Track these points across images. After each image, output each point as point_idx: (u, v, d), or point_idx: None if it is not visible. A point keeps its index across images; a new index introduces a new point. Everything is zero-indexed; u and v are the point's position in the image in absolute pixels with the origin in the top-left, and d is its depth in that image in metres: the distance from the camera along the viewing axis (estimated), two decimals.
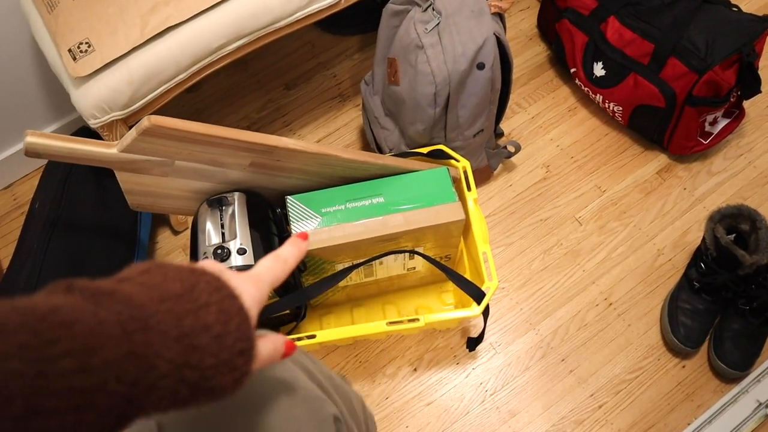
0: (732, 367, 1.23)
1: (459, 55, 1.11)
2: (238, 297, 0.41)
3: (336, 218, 1.07)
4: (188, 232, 1.45)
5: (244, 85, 1.65)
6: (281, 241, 1.05)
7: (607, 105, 1.46)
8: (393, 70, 1.22)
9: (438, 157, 1.20)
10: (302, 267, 1.08)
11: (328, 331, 1.06)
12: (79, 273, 1.11)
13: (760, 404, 1.24)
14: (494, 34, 1.12)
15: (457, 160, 1.19)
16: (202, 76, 1.13)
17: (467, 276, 1.27)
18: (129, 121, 1.11)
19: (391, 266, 1.20)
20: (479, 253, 1.12)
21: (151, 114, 1.13)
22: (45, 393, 0.30)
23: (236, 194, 1.03)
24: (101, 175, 1.24)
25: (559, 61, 1.60)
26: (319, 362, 0.66)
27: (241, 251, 0.97)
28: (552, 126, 1.54)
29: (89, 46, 1.02)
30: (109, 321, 0.34)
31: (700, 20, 1.29)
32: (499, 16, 1.20)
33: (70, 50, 1.02)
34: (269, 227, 1.04)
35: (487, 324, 1.29)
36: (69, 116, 1.51)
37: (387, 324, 1.06)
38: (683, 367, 1.27)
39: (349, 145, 1.55)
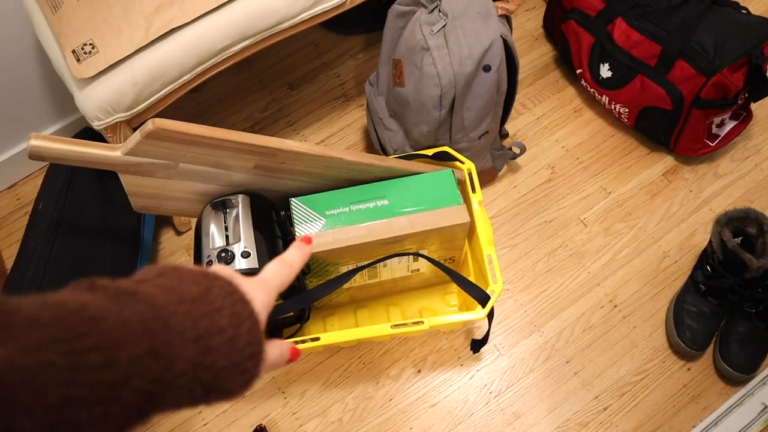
0: (738, 370, 1.23)
1: (465, 57, 1.10)
2: (249, 302, 0.43)
3: (340, 221, 1.07)
4: (191, 233, 1.45)
5: (247, 84, 1.65)
6: (285, 244, 1.05)
7: (613, 106, 1.45)
8: (398, 72, 1.21)
9: (443, 158, 1.20)
10: (306, 269, 1.07)
11: (331, 334, 1.06)
12: (84, 275, 1.10)
13: (766, 407, 1.23)
14: (501, 36, 1.12)
15: (462, 162, 1.19)
16: (207, 77, 1.13)
17: (471, 278, 1.26)
18: (133, 123, 1.11)
19: (395, 268, 1.19)
20: (484, 255, 1.12)
21: (155, 115, 1.13)
22: (75, 384, 0.31)
23: (240, 196, 1.03)
24: (105, 176, 1.24)
25: (565, 62, 1.59)
26: None
27: (245, 254, 0.96)
28: (557, 127, 1.54)
29: (93, 48, 1.02)
30: (132, 320, 0.35)
31: (708, 22, 1.28)
32: (506, 18, 1.20)
33: (73, 51, 1.02)
34: (273, 230, 1.04)
35: (492, 326, 1.28)
36: (72, 116, 1.51)
37: (391, 327, 1.06)
38: (688, 369, 1.27)
39: (353, 146, 1.54)
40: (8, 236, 1.47)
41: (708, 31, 1.27)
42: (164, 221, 1.47)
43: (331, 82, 1.64)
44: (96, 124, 1.06)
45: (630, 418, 1.23)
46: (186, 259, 1.42)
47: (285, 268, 0.51)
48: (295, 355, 0.51)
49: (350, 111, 1.59)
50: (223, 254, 0.96)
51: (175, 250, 1.43)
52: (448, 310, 1.31)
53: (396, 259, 1.14)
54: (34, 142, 0.85)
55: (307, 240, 0.56)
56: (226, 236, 0.99)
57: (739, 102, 1.35)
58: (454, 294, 1.32)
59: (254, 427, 1.24)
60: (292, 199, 1.08)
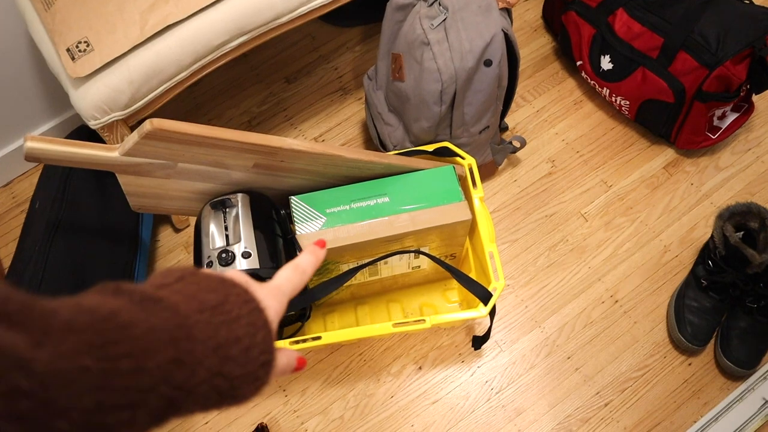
0: (739, 365, 1.22)
1: (466, 51, 1.09)
2: (263, 310, 0.44)
3: (341, 219, 1.05)
4: (189, 230, 1.43)
5: (244, 78, 1.63)
6: (285, 243, 1.03)
7: (613, 99, 1.44)
8: (397, 66, 1.19)
9: (443, 154, 1.19)
10: None
11: (333, 333, 1.05)
12: (83, 276, 1.09)
13: (767, 402, 1.23)
14: (502, 30, 1.10)
15: (463, 158, 1.17)
16: (204, 73, 1.11)
17: (473, 274, 1.26)
18: (130, 121, 1.09)
19: (396, 265, 1.18)
20: (485, 252, 1.11)
21: (152, 113, 1.11)
22: (107, 390, 0.32)
23: (239, 195, 1.02)
24: (102, 174, 1.22)
25: (565, 54, 1.58)
26: None
27: (246, 255, 0.95)
28: (557, 120, 1.52)
29: (88, 46, 1.00)
30: (159, 328, 0.37)
31: (711, 13, 1.26)
32: (507, 11, 1.18)
33: (68, 50, 1.00)
34: (273, 229, 1.02)
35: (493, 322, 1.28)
36: (68, 113, 1.49)
37: (393, 325, 1.05)
38: (689, 364, 1.27)
39: (352, 140, 1.53)
40: (5, 235, 1.46)
41: (711, 22, 1.26)
42: (162, 219, 1.45)
43: (328, 76, 1.62)
44: (92, 124, 1.04)
45: (631, 413, 1.23)
46: (184, 257, 1.41)
47: (297, 274, 0.52)
48: (301, 364, 0.51)
49: (348, 105, 1.57)
50: (223, 255, 0.95)
51: (173, 247, 1.42)
52: (449, 307, 1.30)
53: (397, 256, 1.13)
54: (30, 144, 0.83)
55: (321, 244, 0.56)
56: (227, 236, 0.98)
57: (741, 94, 1.34)
58: (455, 290, 1.31)
59: (255, 426, 1.23)
60: (292, 197, 1.07)
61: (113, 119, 1.05)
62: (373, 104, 1.33)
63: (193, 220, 1.44)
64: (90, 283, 1.07)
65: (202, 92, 1.61)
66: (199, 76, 1.11)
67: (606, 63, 1.40)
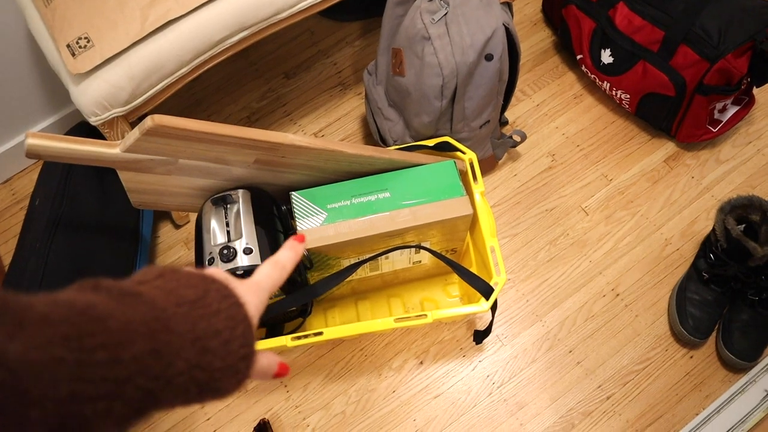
0: (740, 357, 1.22)
1: (467, 46, 1.09)
2: (243, 305, 0.44)
3: (342, 214, 1.05)
4: (189, 226, 1.43)
5: (243, 74, 1.62)
6: (287, 238, 1.03)
7: (614, 93, 1.44)
8: (398, 61, 1.19)
9: (444, 149, 1.18)
10: (309, 264, 1.06)
11: (334, 329, 1.05)
12: (83, 273, 1.09)
13: None
14: (503, 24, 1.10)
15: (464, 152, 1.17)
16: (204, 69, 1.11)
17: (473, 269, 1.25)
18: (130, 117, 1.09)
19: (397, 260, 1.18)
20: (487, 246, 1.11)
21: (152, 109, 1.11)
22: (83, 380, 0.32)
23: (240, 191, 1.01)
24: (102, 171, 1.22)
25: (565, 47, 1.57)
26: None
27: (248, 251, 0.95)
28: (557, 114, 1.52)
29: (88, 41, 1.00)
30: (136, 320, 0.37)
31: (712, 6, 1.26)
32: (508, 5, 1.18)
33: (68, 45, 1.00)
34: (274, 224, 1.02)
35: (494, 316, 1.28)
36: (67, 108, 1.49)
37: (395, 320, 1.05)
38: (691, 357, 1.27)
39: (351, 135, 1.52)
40: (4, 232, 1.46)
41: (712, 15, 1.25)
42: (162, 215, 1.45)
43: (327, 71, 1.61)
44: (93, 120, 1.04)
45: (633, 406, 1.23)
46: (185, 253, 1.41)
47: (277, 270, 0.53)
48: (282, 370, 0.52)
49: (348, 100, 1.57)
50: (225, 251, 0.95)
51: (173, 243, 1.42)
52: (450, 301, 1.30)
53: (398, 251, 1.13)
54: (31, 141, 0.83)
55: (300, 239, 0.57)
56: (228, 232, 0.98)
57: (742, 87, 1.34)
58: (456, 285, 1.31)
59: (257, 422, 1.23)
60: (293, 192, 1.07)
61: (114, 115, 1.05)
62: (373, 99, 1.32)
63: (193, 215, 1.44)
64: None
65: (201, 88, 1.61)
66: (199, 72, 1.11)
67: (606, 57, 1.40)
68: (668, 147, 1.46)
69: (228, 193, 1.01)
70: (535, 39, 1.63)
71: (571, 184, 1.44)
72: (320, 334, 1.05)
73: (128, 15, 1.01)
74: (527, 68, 1.59)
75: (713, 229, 1.23)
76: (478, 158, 1.27)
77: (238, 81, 1.61)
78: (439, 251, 1.17)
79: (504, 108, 1.35)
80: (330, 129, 1.54)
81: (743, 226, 1.24)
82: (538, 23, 1.65)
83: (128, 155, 0.89)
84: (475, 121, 1.21)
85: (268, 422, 1.22)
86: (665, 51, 1.29)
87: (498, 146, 1.36)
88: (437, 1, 1.12)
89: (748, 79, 1.34)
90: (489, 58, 1.10)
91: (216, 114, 1.57)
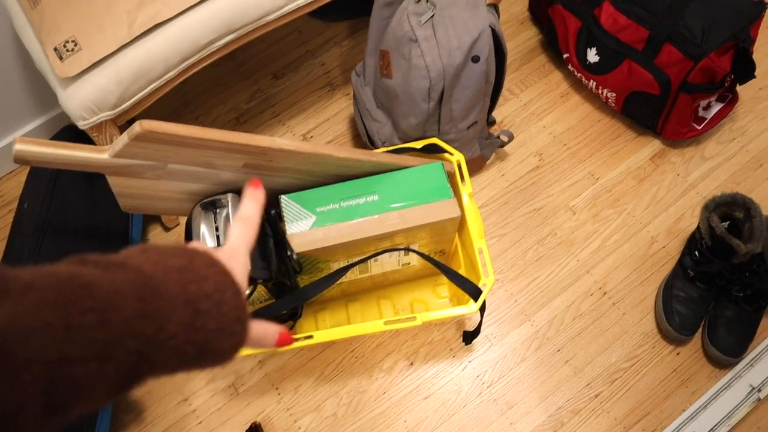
0: (726, 353, 1.24)
1: (454, 48, 1.09)
2: (229, 272, 0.45)
3: (331, 217, 1.06)
4: (179, 229, 1.43)
5: (231, 75, 1.62)
6: (276, 242, 1.03)
7: (600, 91, 1.45)
8: (385, 63, 1.19)
9: (432, 151, 1.19)
10: (298, 268, 1.06)
11: (324, 332, 1.05)
12: None
13: (753, 388, 1.25)
14: (489, 26, 1.10)
15: (451, 154, 1.18)
16: (192, 72, 1.11)
17: (462, 270, 1.26)
18: (118, 121, 1.09)
19: (386, 262, 1.19)
20: (475, 248, 1.11)
21: (141, 112, 1.11)
22: (71, 342, 0.33)
23: (230, 196, 1.02)
24: (91, 174, 1.22)
25: (552, 46, 1.58)
26: None
27: None
28: (544, 113, 1.53)
29: (76, 45, 0.99)
30: (124, 286, 0.38)
31: (696, 5, 1.27)
32: (494, 6, 1.18)
33: (56, 49, 0.99)
34: (264, 228, 1.02)
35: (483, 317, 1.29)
36: (54, 111, 1.48)
37: (384, 323, 1.05)
38: (678, 354, 1.28)
39: (340, 136, 1.53)
40: None
41: (695, 14, 1.27)
42: (152, 217, 1.45)
43: (315, 71, 1.62)
44: (81, 124, 1.04)
45: (621, 404, 1.24)
46: None
47: (248, 226, 0.53)
48: (283, 339, 0.52)
49: (336, 100, 1.57)
50: None
51: None
52: (439, 302, 1.31)
53: (387, 253, 1.14)
54: (20, 147, 0.83)
55: (256, 183, 0.57)
56: (217, 237, 0.98)
57: (726, 85, 1.35)
58: (445, 286, 1.32)
59: (249, 424, 1.24)
60: (282, 196, 1.07)
61: (102, 119, 1.04)
62: (361, 100, 1.33)
63: (183, 218, 1.43)
64: None
65: (189, 89, 1.60)
66: (187, 75, 1.11)
67: (592, 55, 1.41)
68: (654, 144, 1.48)
69: (218, 197, 1.01)
70: (522, 38, 1.64)
71: (558, 183, 1.45)
72: (311, 337, 1.05)
73: (116, 18, 1.01)
74: (514, 67, 1.60)
75: (698, 227, 1.24)
76: (465, 159, 1.28)
77: (226, 82, 1.61)
78: (427, 253, 1.18)
79: (491, 108, 1.35)
80: (319, 130, 1.54)
81: (727, 223, 1.25)
82: (524, 22, 1.66)
83: (117, 160, 0.89)
84: (462, 123, 1.22)
85: (260, 425, 1.22)
86: (650, 50, 1.31)
87: (486, 146, 1.37)
88: (424, 3, 1.12)
89: (732, 77, 1.35)
90: (475, 59, 1.11)
91: (204, 115, 1.56)
